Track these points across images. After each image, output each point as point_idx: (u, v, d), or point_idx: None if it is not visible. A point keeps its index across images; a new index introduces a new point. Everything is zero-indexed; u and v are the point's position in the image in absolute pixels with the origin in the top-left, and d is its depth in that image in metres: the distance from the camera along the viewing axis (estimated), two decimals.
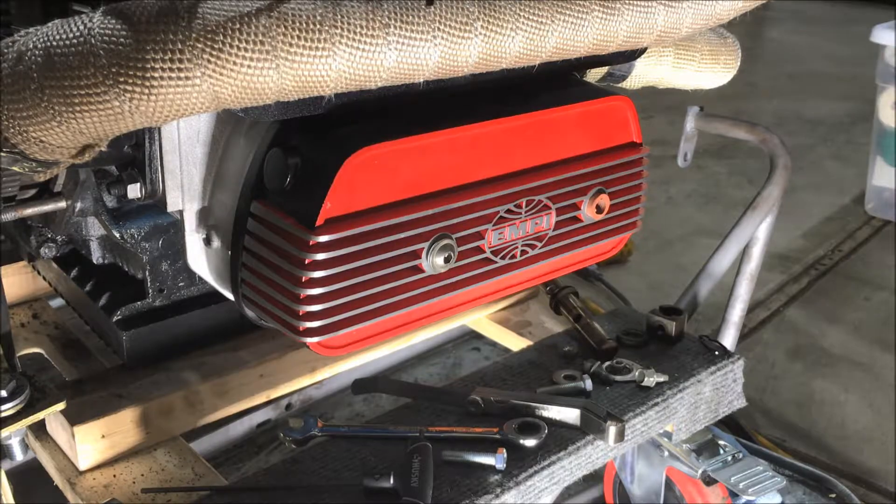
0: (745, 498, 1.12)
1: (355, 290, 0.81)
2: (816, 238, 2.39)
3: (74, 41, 0.63)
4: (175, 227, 1.04)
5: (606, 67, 1.11)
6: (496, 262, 0.92)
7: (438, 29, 0.68)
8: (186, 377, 1.08)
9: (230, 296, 0.90)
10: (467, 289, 0.91)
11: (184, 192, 0.91)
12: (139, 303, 1.07)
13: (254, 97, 0.66)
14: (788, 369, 1.82)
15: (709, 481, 1.12)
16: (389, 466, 0.91)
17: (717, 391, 1.13)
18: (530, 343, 1.22)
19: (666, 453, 1.15)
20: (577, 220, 0.97)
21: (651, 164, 1.03)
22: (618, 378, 1.07)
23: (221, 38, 0.62)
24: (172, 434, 1.06)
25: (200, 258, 0.93)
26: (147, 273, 1.05)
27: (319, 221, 0.77)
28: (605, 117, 0.97)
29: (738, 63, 1.25)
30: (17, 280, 1.30)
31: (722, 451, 1.17)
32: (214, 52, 0.62)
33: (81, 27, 0.63)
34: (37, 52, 0.64)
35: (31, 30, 0.66)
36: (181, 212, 0.92)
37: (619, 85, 1.18)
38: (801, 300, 2.11)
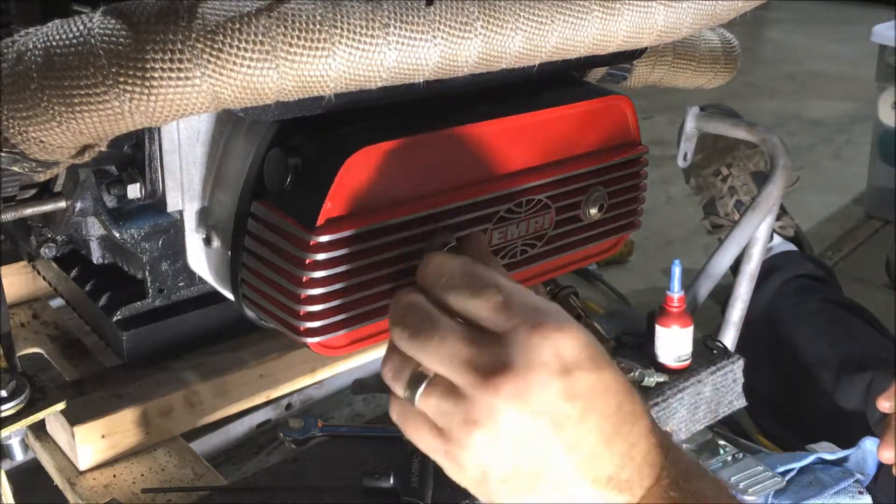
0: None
1: (356, 290, 0.81)
2: (816, 238, 2.39)
3: (74, 41, 0.63)
4: (175, 227, 1.04)
5: (606, 67, 1.11)
6: None
7: (438, 29, 0.67)
8: (186, 377, 1.08)
9: (230, 296, 0.90)
10: None
11: (184, 192, 0.91)
12: (139, 303, 1.07)
13: (254, 97, 0.66)
14: None
15: None
16: (389, 466, 0.91)
17: (717, 391, 1.13)
18: None
19: None
20: (576, 219, 0.97)
21: (651, 164, 1.03)
22: None
23: (221, 38, 0.62)
24: (172, 434, 1.06)
25: (200, 258, 0.93)
26: (147, 273, 1.05)
27: (320, 221, 0.77)
28: (604, 117, 0.97)
29: (738, 63, 1.25)
30: (17, 280, 1.30)
31: (722, 452, 1.17)
32: (214, 52, 0.62)
33: (81, 27, 0.63)
34: (37, 52, 0.64)
35: (30, 30, 0.66)
36: (181, 212, 0.92)
37: (619, 85, 1.18)
38: None
